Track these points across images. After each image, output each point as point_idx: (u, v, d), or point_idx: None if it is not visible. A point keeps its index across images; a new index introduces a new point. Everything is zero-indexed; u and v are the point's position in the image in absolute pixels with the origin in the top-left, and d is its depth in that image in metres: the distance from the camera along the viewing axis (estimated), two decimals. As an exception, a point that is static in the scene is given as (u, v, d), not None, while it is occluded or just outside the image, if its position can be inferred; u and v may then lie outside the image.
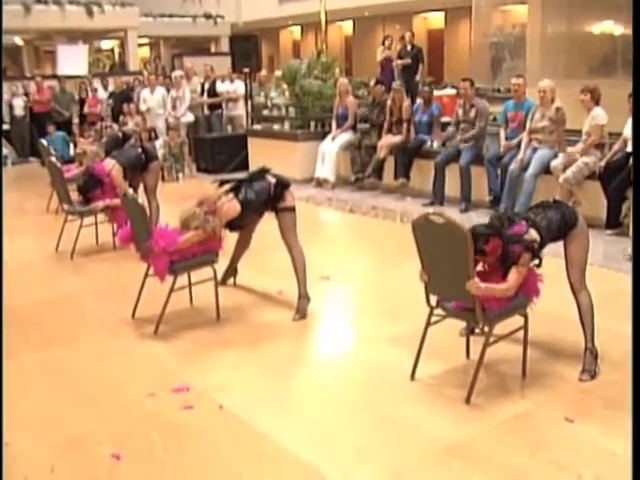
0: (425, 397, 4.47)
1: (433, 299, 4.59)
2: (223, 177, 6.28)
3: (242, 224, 5.83)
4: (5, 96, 16.09)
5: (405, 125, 10.59)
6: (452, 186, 9.71)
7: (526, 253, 4.29)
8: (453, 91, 12.69)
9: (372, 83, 12.30)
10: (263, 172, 5.87)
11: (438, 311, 4.60)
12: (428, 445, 3.89)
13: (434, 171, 9.85)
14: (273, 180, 5.78)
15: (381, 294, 6.39)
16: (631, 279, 4.29)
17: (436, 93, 12.01)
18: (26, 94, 16.39)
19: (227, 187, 5.73)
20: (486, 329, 4.42)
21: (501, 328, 4.49)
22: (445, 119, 10.86)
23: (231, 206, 5.56)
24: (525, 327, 4.54)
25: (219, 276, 5.99)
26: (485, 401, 4.33)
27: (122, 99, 15.54)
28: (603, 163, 8.06)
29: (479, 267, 4.42)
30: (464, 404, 4.27)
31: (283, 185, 5.82)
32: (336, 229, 9.90)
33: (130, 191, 7.01)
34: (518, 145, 9.00)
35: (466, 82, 9.69)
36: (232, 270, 6.53)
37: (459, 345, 4.87)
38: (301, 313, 5.80)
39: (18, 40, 27.46)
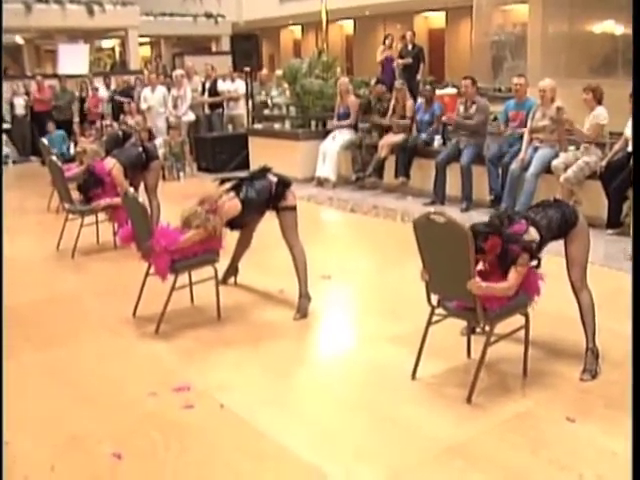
0: (426, 397, 4.46)
1: (434, 298, 4.59)
2: (224, 176, 6.28)
3: (243, 223, 5.83)
4: (6, 95, 16.10)
5: (408, 123, 10.63)
6: (453, 185, 9.71)
7: (524, 253, 4.28)
8: (454, 90, 12.65)
9: (373, 82, 12.29)
10: (264, 171, 5.87)
11: (439, 310, 4.60)
12: (429, 445, 3.89)
13: (435, 170, 9.85)
14: (274, 179, 5.78)
15: (382, 293, 6.39)
16: (632, 278, 4.29)
17: (437, 92, 11.99)
18: (27, 93, 16.40)
19: (228, 186, 5.73)
20: (487, 328, 4.42)
21: (502, 327, 4.49)
22: (446, 118, 10.82)
23: (232, 205, 5.56)
24: (526, 326, 4.54)
25: (220, 275, 6.00)
26: (486, 400, 4.32)
27: (123, 96, 15.69)
28: (604, 163, 8.06)
29: (479, 266, 4.41)
30: (465, 403, 4.27)
31: (284, 184, 5.82)
32: (337, 228, 9.90)
33: (131, 190, 7.01)
34: (520, 136, 8.99)
35: (467, 80, 9.69)
36: (233, 269, 6.53)
37: (460, 344, 4.87)
38: (302, 312, 5.80)
39: (19, 39, 27.47)
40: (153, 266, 5.57)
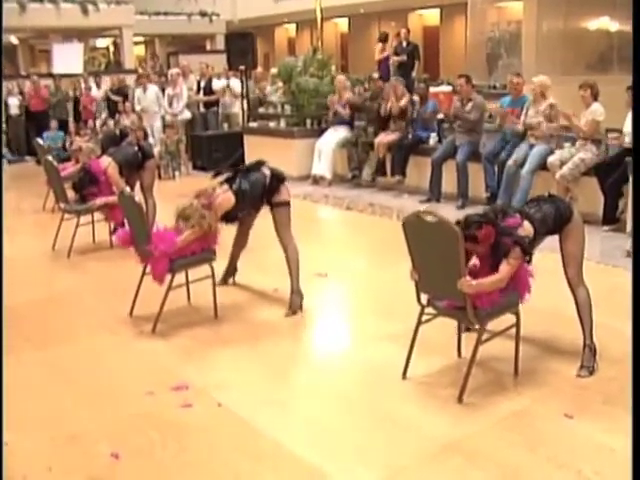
0: (421, 395, 4.46)
1: (424, 298, 4.57)
2: (220, 170, 6.27)
3: (237, 216, 5.79)
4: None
5: (403, 118, 10.63)
6: (449, 183, 9.72)
7: (517, 247, 4.27)
8: (449, 88, 12.68)
9: (375, 75, 12.28)
10: (259, 164, 5.86)
11: (430, 310, 4.58)
12: (427, 443, 3.89)
13: (431, 168, 9.85)
14: (268, 172, 5.78)
15: (378, 292, 6.39)
16: (629, 275, 4.30)
17: (432, 90, 12.00)
18: (21, 93, 16.38)
19: (222, 178, 5.74)
20: (478, 327, 4.39)
21: (495, 325, 4.49)
22: (442, 116, 10.85)
23: (225, 197, 5.55)
24: (517, 324, 4.52)
25: (218, 275, 5.99)
26: (481, 399, 4.32)
27: (117, 95, 15.73)
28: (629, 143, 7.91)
29: (472, 261, 4.40)
30: (460, 402, 4.26)
31: (279, 178, 5.82)
32: (333, 226, 9.89)
33: (127, 189, 7.00)
34: (516, 133, 9.00)
35: (462, 79, 9.70)
36: (232, 269, 6.51)
37: (452, 343, 4.85)
38: (293, 309, 5.81)
39: (13, 39, 27.41)
40: (151, 271, 5.55)
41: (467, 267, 4.28)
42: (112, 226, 7.94)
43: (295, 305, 5.84)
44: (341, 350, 5.36)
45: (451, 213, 7.92)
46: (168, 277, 5.53)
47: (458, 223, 4.26)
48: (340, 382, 4.69)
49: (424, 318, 4.59)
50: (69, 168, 8.99)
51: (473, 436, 3.94)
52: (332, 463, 3.72)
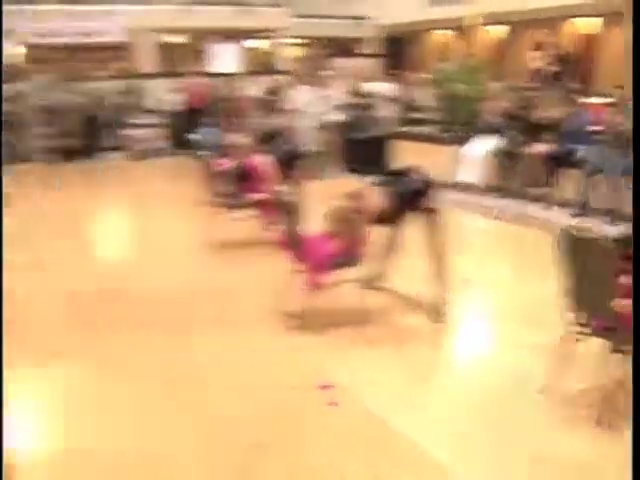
0: (561, 412, 4.44)
1: (574, 315, 4.52)
2: (369, 175, 6.39)
3: (386, 218, 5.87)
4: (162, 92, 16.88)
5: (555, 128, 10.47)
6: (600, 197, 9.48)
7: None
8: (604, 99, 12.35)
9: (529, 84, 12.15)
10: (409, 169, 5.95)
11: (577, 327, 4.52)
12: (561, 462, 3.89)
13: (582, 181, 9.65)
14: (418, 178, 5.86)
15: (522, 303, 6.37)
16: (632, 279, 4.13)
17: (586, 100, 11.73)
18: (183, 90, 17.10)
19: (373, 180, 5.85)
20: (629, 348, 4.32)
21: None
22: (595, 128, 10.60)
23: (376, 201, 5.66)
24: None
25: (367, 278, 6.12)
26: (625, 423, 4.24)
27: (271, 95, 16.13)
28: None
29: (623, 279, 4.31)
30: (602, 424, 4.22)
31: (428, 185, 5.88)
32: (480, 235, 9.82)
33: (282, 187, 7.19)
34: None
35: (620, 89, 9.46)
36: (380, 273, 6.57)
37: (598, 362, 4.76)
38: (439, 316, 5.88)
39: (177, 39, 28.53)
40: (307, 278, 5.66)
41: (623, 286, 4.22)
42: (265, 222, 8.18)
43: (439, 311, 5.90)
44: (482, 357, 5.41)
45: (603, 228, 7.78)
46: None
47: (616, 241, 4.21)
48: (480, 390, 4.75)
49: (572, 336, 4.54)
50: (225, 164, 9.32)
51: (611, 459, 3.90)
52: (472, 471, 3.79)
